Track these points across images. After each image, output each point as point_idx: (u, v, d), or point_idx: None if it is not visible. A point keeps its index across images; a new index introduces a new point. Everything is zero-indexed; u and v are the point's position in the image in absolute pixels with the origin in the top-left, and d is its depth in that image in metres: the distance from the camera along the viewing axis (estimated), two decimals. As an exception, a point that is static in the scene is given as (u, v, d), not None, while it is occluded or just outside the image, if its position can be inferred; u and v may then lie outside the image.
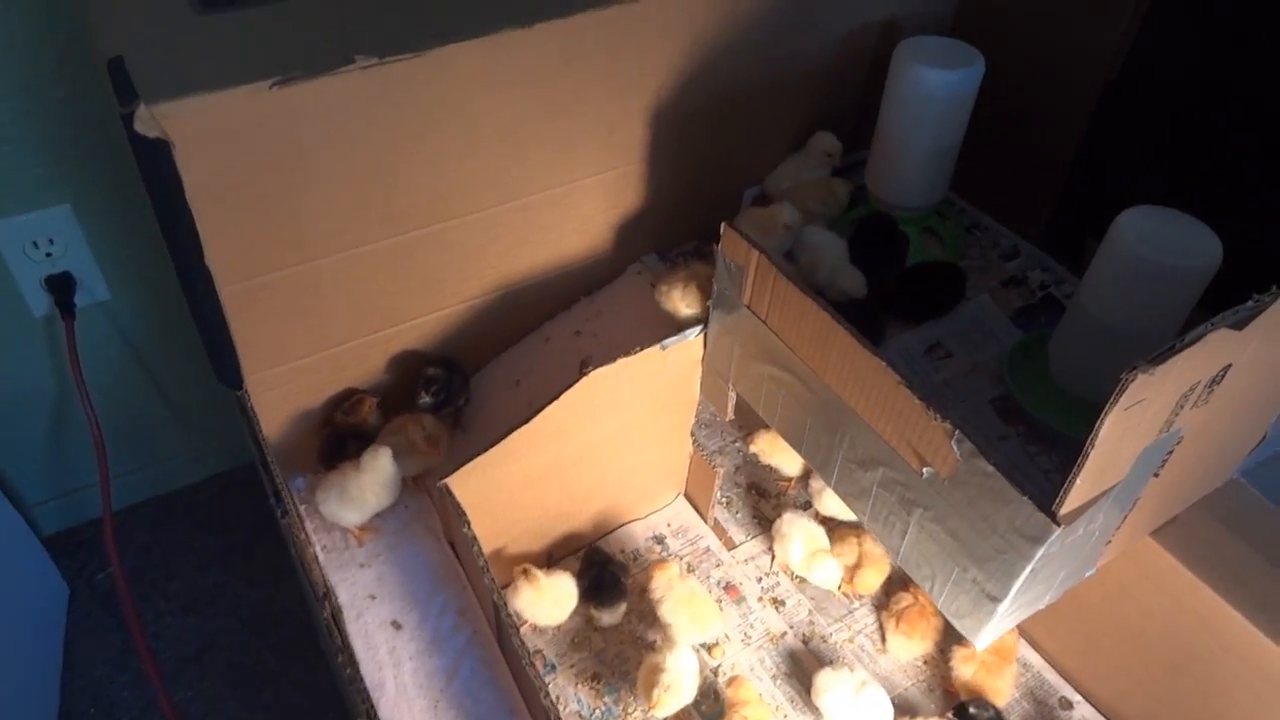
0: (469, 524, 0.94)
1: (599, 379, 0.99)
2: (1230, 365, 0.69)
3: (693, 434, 1.19)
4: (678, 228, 1.21)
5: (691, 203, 1.19)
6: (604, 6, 0.85)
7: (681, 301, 1.05)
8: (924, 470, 0.80)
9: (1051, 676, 1.11)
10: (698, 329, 1.05)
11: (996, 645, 1.07)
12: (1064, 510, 0.70)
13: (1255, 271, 0.85)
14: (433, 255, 1.01)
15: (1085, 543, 0.80)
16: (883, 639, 1.12)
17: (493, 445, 0.97)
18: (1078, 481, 0.68)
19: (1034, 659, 1.12)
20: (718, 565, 1.22)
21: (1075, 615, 1.01)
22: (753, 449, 1.29)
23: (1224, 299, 0.78)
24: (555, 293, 1.16)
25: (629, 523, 1.24)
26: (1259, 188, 1.11)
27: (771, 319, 0.93)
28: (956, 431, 0.75)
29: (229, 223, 0.84)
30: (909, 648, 1.12)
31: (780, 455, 1.24)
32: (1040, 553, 0.73)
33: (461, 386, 1.10)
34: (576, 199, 1.08)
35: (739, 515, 1.29)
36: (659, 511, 1.27)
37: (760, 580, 1.20)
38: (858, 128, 1.26)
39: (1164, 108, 1.16)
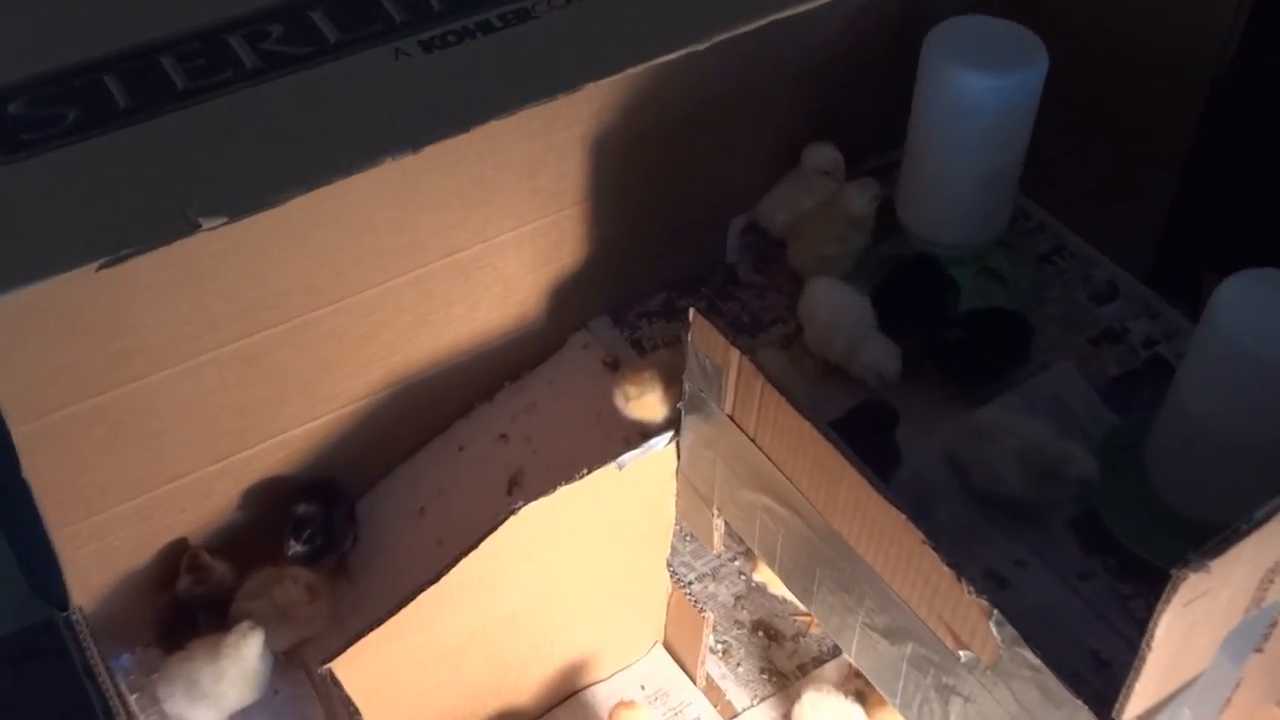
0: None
1: (534, 515, 1.14)
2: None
3: (669, 564, 1.35)
4: (637, 278, 1.35)
5: (653, 244, 1.32)
6: (518, 23, 0.99)
7: (657, 408, 1.20)
8: (961, 653, 0.95)
9: None
10: (667, 437, 1.20)
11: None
12: (1127, 714, 0.86)
13: None
14: (298, 354, 1.15)
15: (1173, 736, 0.96)
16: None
17: (391, 615, 1.12)
18: (1137, 686, 0.83)
19: None
20: (712, 744, 1.37)
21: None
22: (758, 576, 1.45)
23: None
24: (469, 381, 1.30)
25: (589, 686, 1.39)
26: None
27: (761, 437, 1.08)
28: (995, 612, 0.90)
29: (21, 344, 0.98)
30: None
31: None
32: (1101, 768, 0.89)
33: (345, 523, 1.24)
34: (493, 261, 1.22)
35: (741, 669, 1.43)
36: (629, 668, 1.42)
37: (772, 763, 1.36)
38: (884, 119, 1.41)
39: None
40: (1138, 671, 0.82)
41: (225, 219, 0.84)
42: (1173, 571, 0.77)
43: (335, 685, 1.11)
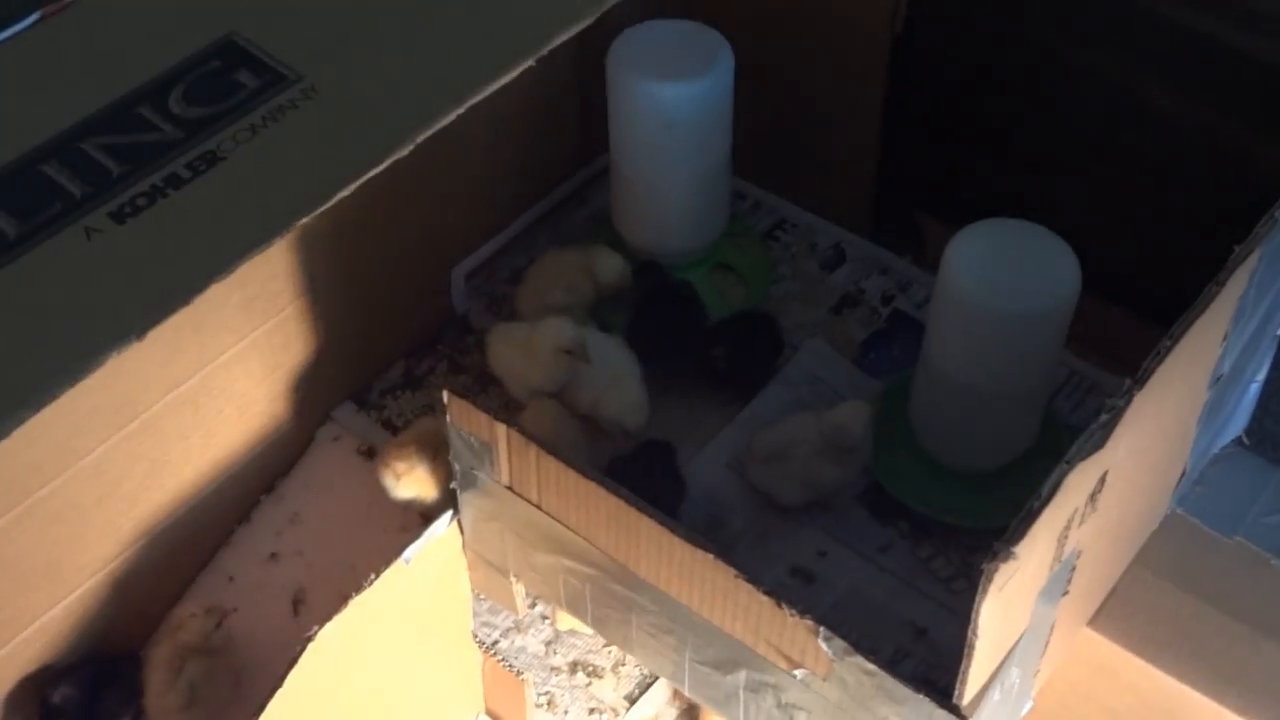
0: None
1: (331, 636, 1.14)
2: (1105, 472, 0.93)
3: (475, 635, 1.37)
4: (370, 356, 1.35)
5: (379, 317, 1.32)
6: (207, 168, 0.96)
7: (429, 484, 1.21)
8: (796, 673, 1.01)
9: (1024, 807, 1.38)
10: (446, 517, 1.20)
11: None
12: (968, 699, 0.93)
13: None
14: (35, 537, 1.10)
15: (1008, 698, 1.04)
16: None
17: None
18: (972, 669, 0.90)
19: (998, 792, 1.39)
20: (561, 800, 1.40)
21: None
22: (563, 625, 1.48)
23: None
24: (223, 508, 1.28)
25: (422, 777, 1.40)
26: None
27: (547, 503, 1.10)
28: (822, 628, 0.95)
29: None
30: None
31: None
32: (959, 748, 0.96)
33: (121, 703, 1.21)
34: (219, 383, 1.19)
35: (570, 715, 1.46)
36: (457, 746, 1.44)
37: (625, 801, 1.39)
38: (583, 131, 1.44)
39: (960, 59, 1.41)
40: (969, 659, 0.88)
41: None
42: (983, 566, 0.82)
43: None
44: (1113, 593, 1.19)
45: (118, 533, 1.18)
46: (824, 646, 0.96)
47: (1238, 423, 1.29)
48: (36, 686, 1.17)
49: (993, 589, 0.83)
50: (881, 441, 1.23)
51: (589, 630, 1.48)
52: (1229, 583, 1.20)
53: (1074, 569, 1.00)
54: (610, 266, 1.33)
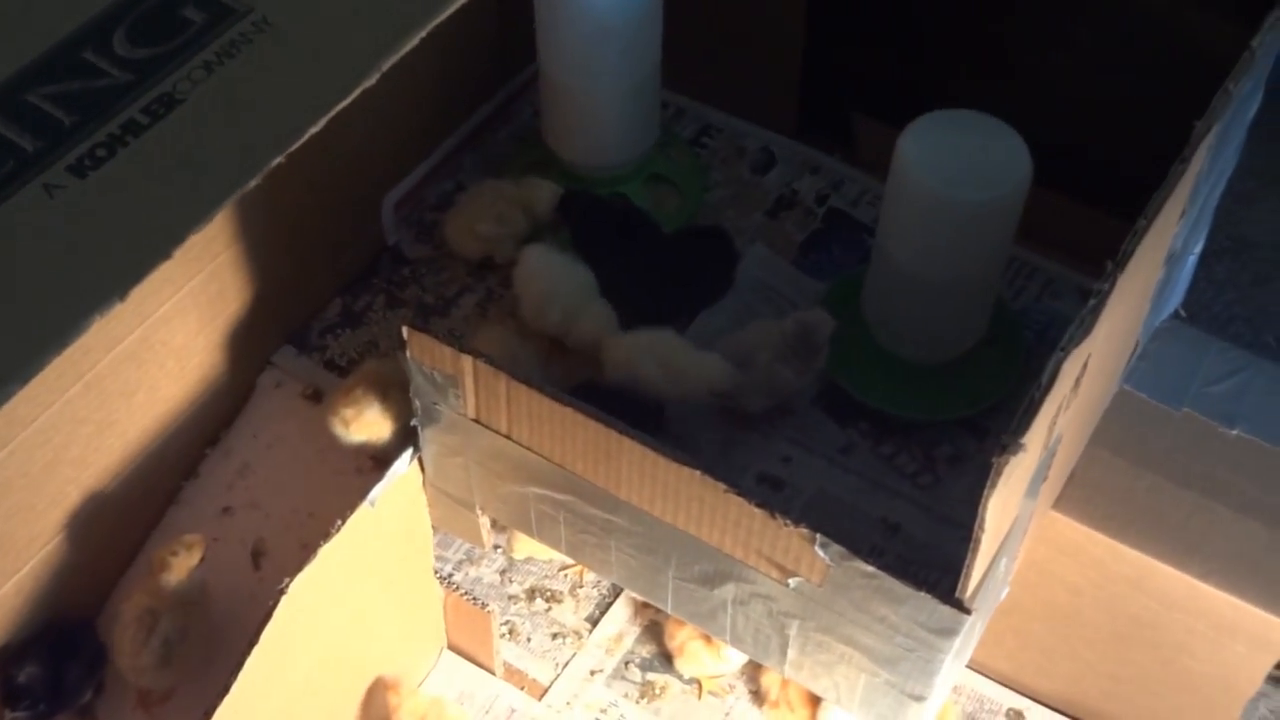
0: None
1: (305, 588, 1.11)
2: (1089, 357, 0.95)
3: (438, 571, 1.36)
4: (306, 296, 1.32)
5: (312, 256, 1.29)
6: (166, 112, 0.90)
7: (380, 425, 1.19)
8: (790, 582, 1.01)
9: (990, 690, 1.41)
10: (406, 457, 1.19)
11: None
12: (970, 592, 0.95)
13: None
14: (-18, 512, 1.08)
15: (996, 587, 1.06)
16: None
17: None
18: (977, 561, 0.92)
19: (965, 677, 1.42)
20: (534, 727, 1.41)
21: (997, 612, 1.31)
22: (518, 554, 1.47)
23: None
24: (170, 465, 1.24)
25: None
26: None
27: (520, 435, 1.09)
28: (819, 536, 0.96)
29: None
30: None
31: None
32: (957, 642, 0.97)
33: (84, 674, 1.18)
34: (159, 336, 1.15)
35: (533, 643, 1.46)
36: (425, 681, 1.43)
37: (598, 721, 1.41)
38: (504, 42, 1.40)
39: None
40: (974, 553, 0.90)
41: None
42: (993, 459, 0.84)
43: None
44: (1071, 475, 1.22)
45: (66, 499, 1.14)
46: (820, 553, 0.96)
47: (1175, 297, 1.32)
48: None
49: (1000, 482, 0.85)
50: (835, 342, 1.24)
51: (544, 556, 1.49)
52: (1181, 454, 1.23)
53: (1054, 455, 1.02)
54: (546, 197, 1.32)
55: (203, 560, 1.14)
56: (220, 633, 1.19)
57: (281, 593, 1.10)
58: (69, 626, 1.19)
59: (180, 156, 0.85)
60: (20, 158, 0.85)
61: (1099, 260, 0.94)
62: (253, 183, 0.83)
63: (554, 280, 1.21)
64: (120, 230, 0.82)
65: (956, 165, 1.11)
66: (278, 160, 0.84)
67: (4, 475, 1.07)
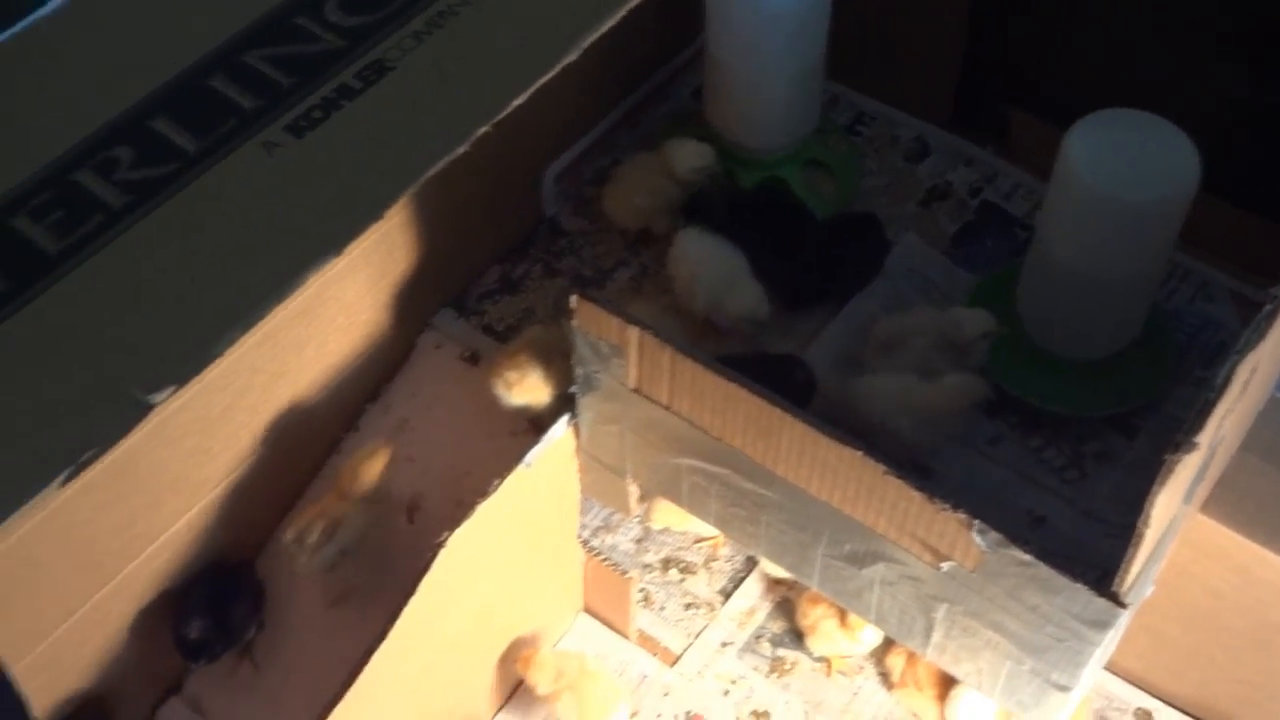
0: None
1: (461, 544, 1.16)
2: (1259, 361, 0.95)
3: (579, 535, 1.39)
4: (466, 262, 1.36)
5: (475, 222, 1.32)
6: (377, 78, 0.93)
7: (540, 390, 1.22)
8: (942, 565, 1.03)
9: (1119, 688, 1.42)
10: (563, 422, 1.22)
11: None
12: (1126, 586, 0.96)
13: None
14: (165, 452, 1.12)
15: (1145, 585, 1.07)
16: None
17: (350, 684, 1.12)
18: (1137, 557, 0.93)
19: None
20: (665, 694, 1.43)
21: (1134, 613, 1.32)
22: (656, 524, 1.50)
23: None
24: (333, 417, 1.29)
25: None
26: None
27: (680, 407, 1.12)
28: (977, 521, 0.98)
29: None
30: (931, 705, 1.39)
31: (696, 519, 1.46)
32: (1109, 636, 0.99)
33: (245, 616, 1.22)
34: (332, 292, 1.19)
35: (666, 612, 1.50)
36: (561, 643, 1.47)
37: (728, 693, 1.43)
38: (663, 22, 1.43)
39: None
40: (1135, 548, 0.91)
41: (174, 386, 0.81)
42: (1166, 457, 0.85)
43: (313, 775, 1.12)
44: (1221, 479, 1.22)
45: (239, 445, 1.19)
46: (977, 539, 0.98)
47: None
48: (166, 595, 1.20)
49: (1171, 480, 0.86)
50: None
51: (680, 528, 1.52)
52: (1333, 464, 1.23)
53: (1213, 456, 1.03)
54: (683, 156, 1.33)
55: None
56: (375, 580, 1.24)
57: (440, 546, 1.15)
58: (230, 568, 1.24)
59: (391, 121, 0.89)
60: (240, 116, 0.89)
61: (1254, 265, 0.95)
62: (460, 149, 0.87)
63: (705, 262, 1.24)
64: (335, 189, 0.86)
65: (1123, 165, 1.11)
66: (484, 129, 0.87)
67: (184, 418, 1.11)
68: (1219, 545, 1.22)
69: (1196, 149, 1.13)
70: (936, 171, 1.43)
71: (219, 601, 1.22)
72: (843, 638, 1.39)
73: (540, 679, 1.33)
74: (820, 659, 1.43)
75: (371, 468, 1.20)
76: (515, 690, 1.41)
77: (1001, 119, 1.49)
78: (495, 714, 1.40)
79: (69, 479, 0.78)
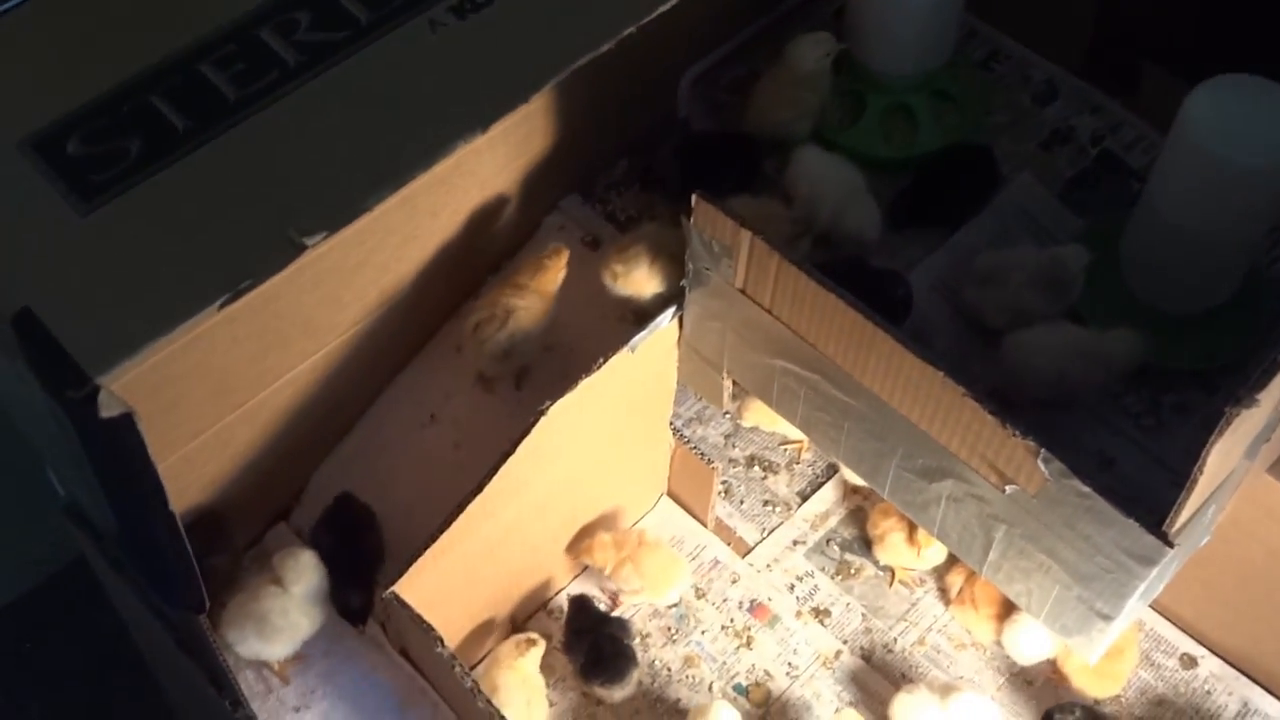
0: (441, 640, 1.21)
1: (561, 413, 1.24)
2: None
3: (671, 423, 1.47)
4: (598, 151, 1.42)
5: (610, 114, 1.39)
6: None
7: (645, 284, 1.30)
8: (1007, 488, 1.10)
9: (1168, 631, 1.48)
10: (669, 313, 1.30)
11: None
12: (1176, 527, 1.02)
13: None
14: (301, 295, 1.20)
15: (1199, 532, 1.13)
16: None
17: (441, 531, 1.22)
18: (1189, 502, 0.99)
19: (1147, 616, 1.49)
20: (733, 581, 1.52)
21: (1190, 561, 1.36)
22: (747, 422, 1.58)
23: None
24: (454, 283, 1.37)
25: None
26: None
27: (780, 311, 1.19)
28: (1043, 450, 1.04)
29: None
30: (986, 624, 1.46)
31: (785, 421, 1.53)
32: (1154, 572, 1.05)
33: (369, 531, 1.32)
34: (469, 165, 1.27)
35: (745, 505, 1.58)
36: (639, 524, 1.56)
37: (793, 588, 1.51)
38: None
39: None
40: (1188, 492, 0.97)
41: (325, 233, 0.90)
42: (1226, 409, 0.91)
43: (403, 606, 1.22)
44: (1290, 442, 1.27)
45: (366, 298, 1.28)
46: (1042, 467, 1.05)
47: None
48: (284, 429, 1.30)
49: (1228, 433, 0.91)
50: (1087, 279, 1.30)
51: (769, 428, 1.59)
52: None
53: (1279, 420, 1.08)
54: (804, 50, 1.37)
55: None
56: (477, 442, 1.33)
57: (542, 412, 1.23)
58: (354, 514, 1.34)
59: (546, 14, 0.95)
60: (410, -8, 0.97)
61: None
62: (606, 47, 0.93)
63: (825, 179, 1.30)
64: (486, 71, 0.93)
65: (1239, 128, 1.15)
66: (629, 30, 0.94)
67: (321, 267, 1.20)
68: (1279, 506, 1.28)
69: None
70: (1062, 116, 1.46)
71: (345, 526, 1.33)
72: (908, 551, 1.46)
73: (601, 558, 1.43)
74: (884, 568, 1.51)
75: (556, 263, 1.30)
76: (584, 569, 1.50)
77: (1134, 71, 1.52)
78: (570, 582, 1.50)
79: (226, 303, 0.87)
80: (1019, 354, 1.23)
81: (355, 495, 1.33)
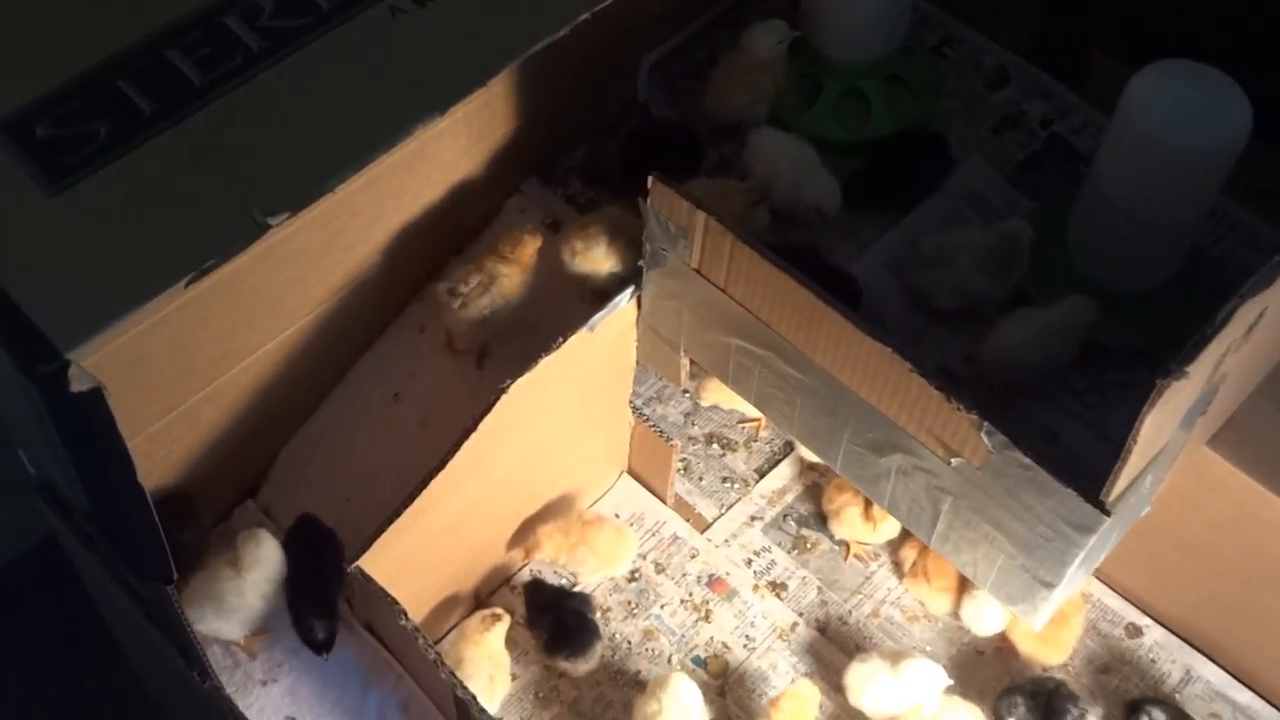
0: (405, 613, 1.24)
1: (521, 391, 1.27)
2: (1265, 309, 1.04)
3: (631, 402, 1.51)
4: (558, 135, 1.45)
5: (571, 98, 1.42)
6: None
7: (603, 262, 1.33)
8: (952, 461, 1.14)
9: (1114, 602, 1.52)
10: (628, 294, 1.33)
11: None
12: (1113, 496, 1.06)
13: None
14: (268, 275, 1.23)
15: (1138, 502, 1.17)
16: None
17: (405, 506, 1.25)
18: (1124, 471, 1.03)
19: (1093, 586, 1.53)
20: (692, 556, 1.55)
21: (1135, 533, 1.40)
22: (706, 400, 1.62)
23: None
24: (417, 264, 1.40)
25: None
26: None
27: (734, 290, 1.22)
28: (985, 423, 1.08)
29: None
30: (939, 597, 1.50)
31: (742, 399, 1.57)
32: (1092, 540, 1.09)
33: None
34: (433, 149, 1.30)
35: (704, 482, 1.62)
36: (599, 501, 1.60)
37: (750, 562, 1.55)
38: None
39: None
40: (1123, 462, 1.01)
41: (288, 213, 0.92)
42: (1157, 381, 0.95)
43: (367, 580, 1.25)
44: (1231, 418, 1.31)
45: (331, 279, 1.31)
46: (985, 439, 1.08)
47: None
48: (250, 407, 1.33)
49: (1160, 404, 0.95)
50: (1032, 260, 1.34)
51: (728, 406, 1.63)
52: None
53: (1216, 392, 1.12)
54: (759, 38, 1.41)
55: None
56: (437, 420, 1.36)
57: (503, 390, 1.26)
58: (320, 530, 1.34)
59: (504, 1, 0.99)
60: (370, -22, 1.00)
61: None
62: (562, 32, 0.97)
63: (780, 155, 1.34)
64: (447, 55, 0.96)
65: (1179, 113, 1.19)
66: (584, 16, 0.97)
67: (288, 248, 1.23)
68: (1221, 479, 1.31)
69: (1250, 103, 1.20)
70: (1013, 101, 1.50)
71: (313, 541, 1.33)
72: (863, 526, 1.50)
73: (551, 549, 1.46)
74: (840, 542, 1.55)
75: (535, 239, 1.34)
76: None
77: (1083, 58, 1.56)
78: (525, 564, 1.54)
79: (192, 281, 0.90)
80: (1001, 350, 1.29)
81: (317, 517, 1.34)
